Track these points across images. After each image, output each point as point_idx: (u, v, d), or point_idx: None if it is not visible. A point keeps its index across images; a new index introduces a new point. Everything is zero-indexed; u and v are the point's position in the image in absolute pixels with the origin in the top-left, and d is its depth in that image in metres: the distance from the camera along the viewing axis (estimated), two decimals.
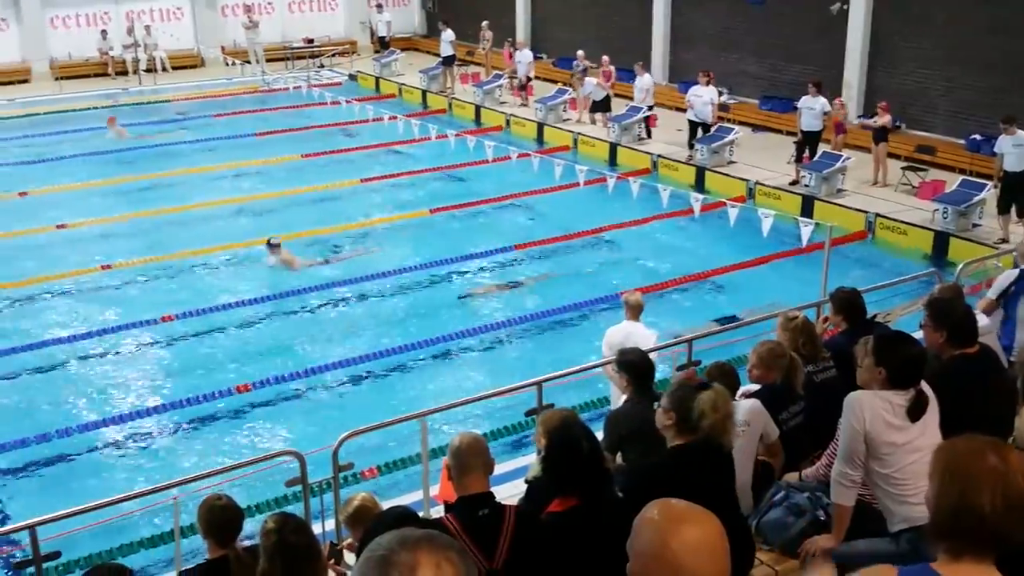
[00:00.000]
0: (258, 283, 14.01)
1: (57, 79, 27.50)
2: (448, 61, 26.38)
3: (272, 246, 14.51)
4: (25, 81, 27.96)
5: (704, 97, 19.16)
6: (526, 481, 5.84)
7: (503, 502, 4.32)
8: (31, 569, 6.40)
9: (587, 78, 22.00)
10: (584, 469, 4.24)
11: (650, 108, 20.88)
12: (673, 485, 2.95)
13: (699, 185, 18.20)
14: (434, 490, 8.00)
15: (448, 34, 26.22)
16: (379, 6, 30.78)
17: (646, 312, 9.22)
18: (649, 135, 20.88)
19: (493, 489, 4.34)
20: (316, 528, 6.20)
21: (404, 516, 4.34)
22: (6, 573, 7.97)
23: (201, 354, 12.17)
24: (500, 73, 25.55)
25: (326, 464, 7.21)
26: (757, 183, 17.62)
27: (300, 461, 6.98)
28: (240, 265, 14.87)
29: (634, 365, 6.27)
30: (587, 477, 4.24)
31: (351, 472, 7.88)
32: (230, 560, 4.49)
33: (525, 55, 24.39)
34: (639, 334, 8.57)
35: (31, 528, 6.22)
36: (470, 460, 4.29)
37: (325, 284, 13.90)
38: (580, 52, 23.52)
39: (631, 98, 21.60)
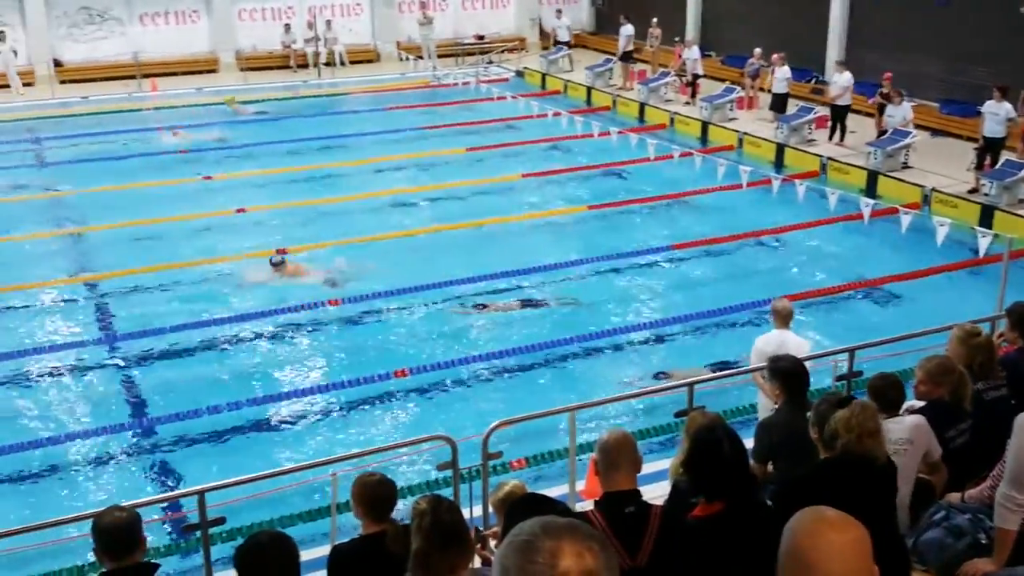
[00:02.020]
0: (421, 271, 14.32)
1: (242, 70, 28.94)
2: (625, 57, 26.33)
3: (275, 265, 14.08)
4: (213, 71, 29.52)
5: (1001, 114, 16.72)
6: (672, 483, 5.82)
7: (649, 502, 4.31)
8: (198, 533, 6.79)
9: (779, 69, 21.37)
10: (725, 473, 4.18)
11: (846, 108, 20.08)
12: (823, 496, 2.90)
13: (871, 190, 17.53)
14: (580, 485, 8.05)
15: (627, 28, 26.19)
16: (559, 12, 30.71)
17: (808, 319, 8.98)
18: (843, 137, 20.08)
19: (639, 488, 4.34)
20: (464, 513, 6.34)
21: (546, 504, 4.39)
22: (174, 534, 8.46)
23: (363, 338, 12.59)
24: (667, 71, 25.31)
25: (476, 451, 7.36)
26: (933, 190, 16.83)
27: (452, 446, 7.14)
28: (403, 253, 15.28)
29: (787, 373, 6.12)
30: (729, 481, 4.19)
31: (500, 461, 8.00)
32: (387, 535, 4.62)
33: (693, 52, 24.08)
34: (792, 343, 8.27)
35: (200, 494, 6.60)
36: (618, 457, 4.30)
37: (485, 276, 14.11)
38: (757, 50, 22.99)
39: (802, 98, 20.96)
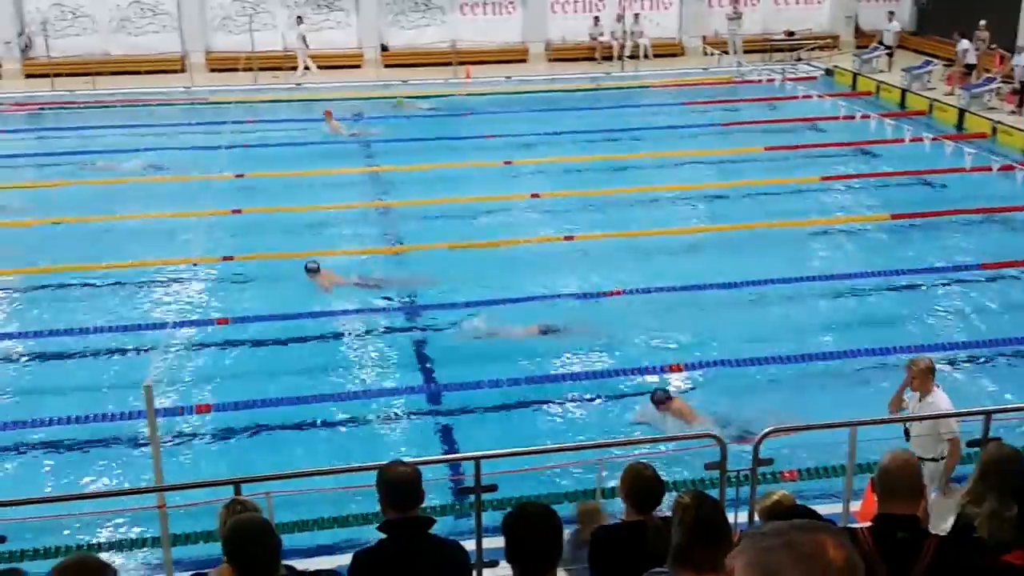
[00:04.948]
0: (702, 268, 14.15)
1: (549, 60, 29.75)
2: (968, 70, 24.71)
3: (310, 271, 13.76)
4: (523, 61, 30.57)
5: None
6: (957, 514, 5.46)
7: (928, 530, 4.10)
8: (470, 497, 7.15)
9: None
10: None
11: None
12: None
13: None
14: (855, 506, 7.71)
15: (963, 44, 24.66)
16: (891, 13, 29.10)
17: None
18: None
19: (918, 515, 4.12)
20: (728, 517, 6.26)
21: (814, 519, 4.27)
22: (452, 496, 8.95)
23: (635, 330, 12.59)
24: (992, 76, 23.41)
25: (747, 456, 7.23)
26: None
27: (721, 447, 7.06)
28: (692, 250, 15.16)
29: None
30: None
31: (770, 469, 7.81)
32: (648, 527, 4.70)
33: (1023, 58, 22.13)
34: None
35: (476, 460, 6.95)
36: (898, 482, 4.10)
37: (771, 279, 13.72)
38: None
39: None
